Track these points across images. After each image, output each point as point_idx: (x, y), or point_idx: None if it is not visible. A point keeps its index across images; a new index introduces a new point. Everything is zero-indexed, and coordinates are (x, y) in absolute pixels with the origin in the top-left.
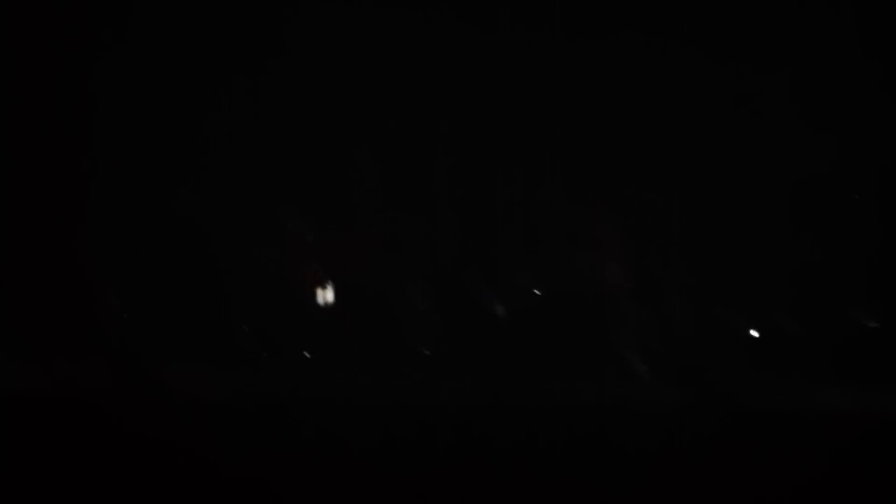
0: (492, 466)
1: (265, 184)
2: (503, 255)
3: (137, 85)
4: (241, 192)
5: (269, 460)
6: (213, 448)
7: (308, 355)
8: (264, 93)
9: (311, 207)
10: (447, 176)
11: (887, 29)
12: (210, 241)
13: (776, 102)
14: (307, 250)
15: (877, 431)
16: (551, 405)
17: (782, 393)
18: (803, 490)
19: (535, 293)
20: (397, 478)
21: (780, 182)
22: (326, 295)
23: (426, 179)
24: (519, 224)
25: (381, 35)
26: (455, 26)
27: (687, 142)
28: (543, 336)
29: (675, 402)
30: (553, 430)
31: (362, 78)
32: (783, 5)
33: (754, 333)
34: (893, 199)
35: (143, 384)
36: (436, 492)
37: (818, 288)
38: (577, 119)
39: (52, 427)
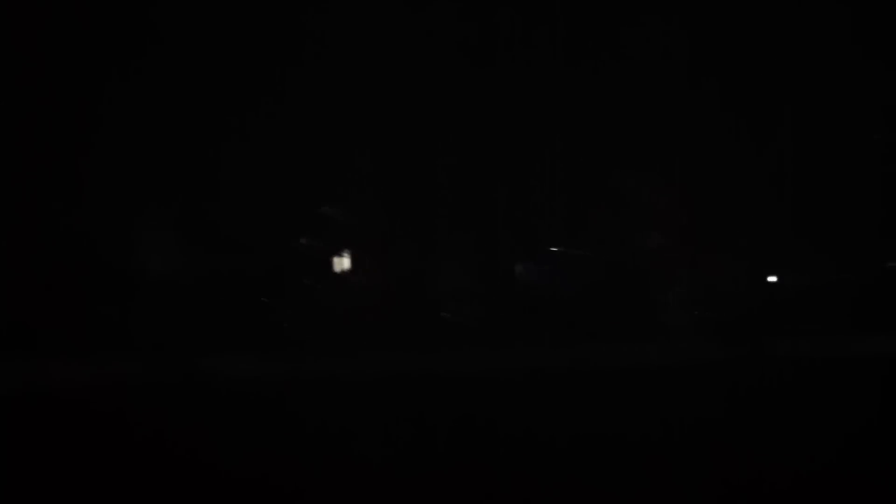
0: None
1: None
2: (540, 223)
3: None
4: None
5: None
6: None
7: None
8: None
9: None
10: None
11: None
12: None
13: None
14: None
15: None
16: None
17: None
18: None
19: (554, 251)
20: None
21: (811, 141)
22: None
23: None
24: (558, 189)
25: (386, 41)
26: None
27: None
28: (586, 302)
29: (715, 357)
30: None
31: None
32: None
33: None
34: None
35: (175, 376)
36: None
37: (854, 241)
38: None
39: (89, 419)
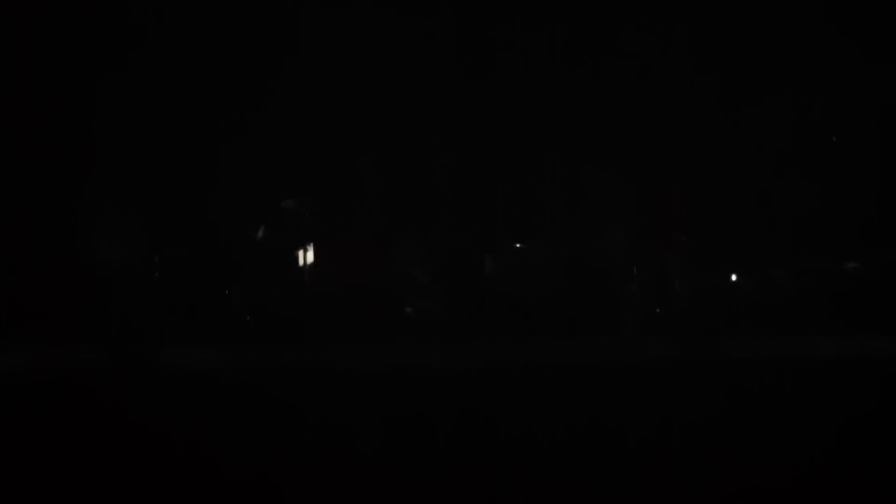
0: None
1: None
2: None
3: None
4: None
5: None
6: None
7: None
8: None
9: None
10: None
11: None
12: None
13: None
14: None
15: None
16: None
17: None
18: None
19: (517, 249)
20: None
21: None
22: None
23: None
24: (524, 185)
25: (384, 44)
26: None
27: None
28: (546, 300)
29: (671, 358)
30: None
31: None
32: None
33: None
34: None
35: (141, 366)
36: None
37: (808, 243)
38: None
39: (57, 407)
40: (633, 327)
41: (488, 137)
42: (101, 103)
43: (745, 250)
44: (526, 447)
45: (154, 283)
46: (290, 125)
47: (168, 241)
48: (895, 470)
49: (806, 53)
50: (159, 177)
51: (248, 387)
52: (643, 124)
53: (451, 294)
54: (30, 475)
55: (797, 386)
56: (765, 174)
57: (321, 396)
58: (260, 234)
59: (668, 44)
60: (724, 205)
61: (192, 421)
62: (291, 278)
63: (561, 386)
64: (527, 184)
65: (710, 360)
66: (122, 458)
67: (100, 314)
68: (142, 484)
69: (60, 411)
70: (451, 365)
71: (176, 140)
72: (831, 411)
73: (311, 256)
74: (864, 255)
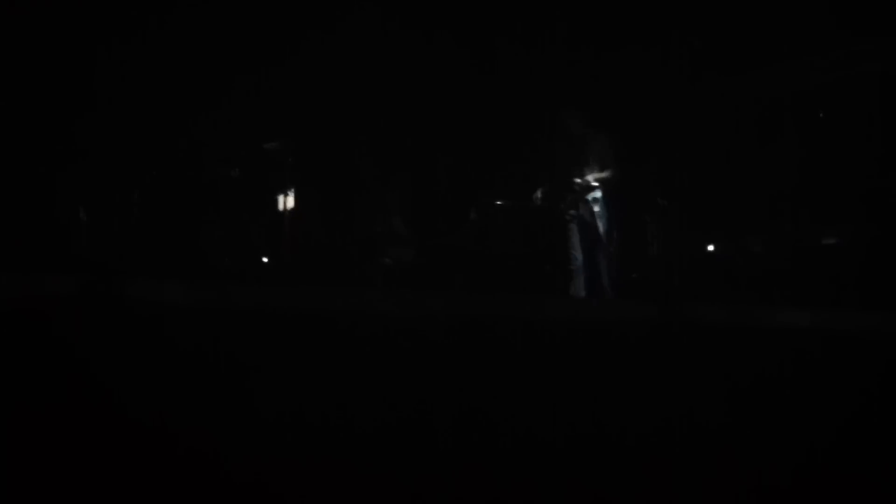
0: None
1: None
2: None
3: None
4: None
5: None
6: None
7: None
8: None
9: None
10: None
11: None
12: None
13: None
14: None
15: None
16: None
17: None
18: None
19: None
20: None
21: (747, 106)
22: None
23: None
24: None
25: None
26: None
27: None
28: (517, 257)
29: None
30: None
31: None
32: None
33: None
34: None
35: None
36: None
37: (781, 213)
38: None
39: (17, 335)
40: (609, 287)
41: (475, 96)
42: (81, 45)
43: (724, 217)
44: (493, 399)
45: (130, 215)
46: (278, 68)
47: (146, 173)
48: (868, 440)
49: (792, 21)
50: (139, 108)
51: (221, 325)
52: (621, 89)
53: (431, 244)
54: None
55: (772, 354)
56: (746, 141)
57: (292, 338)
58: (240, 174)
59: (645, 11)
60: (704, 170)
61: (157, 356)
62: (270, 221)
63: (532, 342)
64: (511, 141)
65: (686, 324)
66: (83, 392)
67: (69, 243)
68: (102, 419)
69: (21, 339)
70: (425, 313)
71: (160, 75)
72: (806, 382)
73: (291, 200)
74: (846, 228)
